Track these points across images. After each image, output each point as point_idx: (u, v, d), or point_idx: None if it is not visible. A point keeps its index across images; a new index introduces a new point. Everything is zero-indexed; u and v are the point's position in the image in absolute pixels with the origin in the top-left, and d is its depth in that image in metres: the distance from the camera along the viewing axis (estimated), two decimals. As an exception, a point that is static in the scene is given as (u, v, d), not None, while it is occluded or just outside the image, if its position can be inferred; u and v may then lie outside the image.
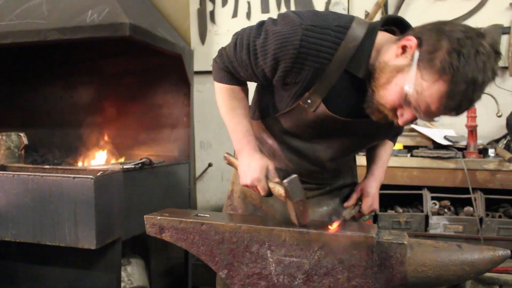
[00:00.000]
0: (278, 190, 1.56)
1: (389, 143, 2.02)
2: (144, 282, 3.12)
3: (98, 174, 2.30)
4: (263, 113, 1.77)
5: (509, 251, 1.44)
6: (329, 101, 1.54)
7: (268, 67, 1.52)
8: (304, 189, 1.79)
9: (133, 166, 2.61)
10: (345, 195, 1.95)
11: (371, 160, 2.00)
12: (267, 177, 1.59)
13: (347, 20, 1.50)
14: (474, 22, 3.51)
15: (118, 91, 3.64)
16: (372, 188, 1.93)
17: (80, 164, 3.29)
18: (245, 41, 1.56)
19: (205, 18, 3.98)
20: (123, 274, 2.91)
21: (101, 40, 2.88)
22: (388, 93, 1.43)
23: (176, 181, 3.20)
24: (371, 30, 1.50)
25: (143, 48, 3.07)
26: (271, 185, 1.58)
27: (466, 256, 1.42)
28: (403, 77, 1.39)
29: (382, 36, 1.51)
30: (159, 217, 1.54)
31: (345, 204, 1.91)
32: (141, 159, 2.72)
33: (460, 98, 1.34)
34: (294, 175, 1.49)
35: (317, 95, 1.53)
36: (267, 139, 1.80)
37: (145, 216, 1.56)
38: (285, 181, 1.48)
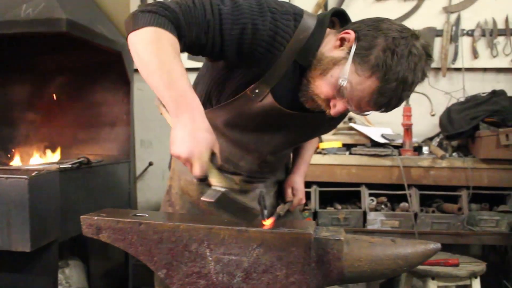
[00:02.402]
0: (216, 182, 1.34)
1: (315, 139, 2.07)
2: (83, 284, 3.06)
3: (33, 174, 2.23)
4: (204, 105, 1.63)
5: (439, 245, 1.49)
6: (276, 92, 1.53)
7: (229, 41, 1.43)
8: (244, 181, 1.79)
9: (70, 166, 2.55)
10: (276, 191, 1.98)
11: (298, 155, 2.04)
12: (211, 159, 1.33)
13: (301, 10, 1.52)
14: (410, 24, 3.62)
15: (56, 88, 3.54)
16: (301, 184, 1.99)
17: (14, 163, 3.18)
18: (207, 2, 1.41)
19: (146, 15, 3.91)
20: (60, 276, 2.84)
21: (37, 36, 2.80)
22: (323, 83, 1.46)
23: (116, 180, 3.15)
24: (321, 22, 1.52)
25: (82, 44, 3.00)
26: (213, 172, 1.33)
27: (399, 250, 1.46)
28: (338, 69, 1.43)
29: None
30: (96, 218, 1.50)
31: (287, 200, 1.95)
32: (78, 158, 2.66)
33: (390, 95, 1.39)
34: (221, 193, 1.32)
35: (266, 85, 1.50)
36: None
37: (81, 216, 1.52)
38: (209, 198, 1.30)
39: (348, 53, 1.41)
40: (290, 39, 1.47)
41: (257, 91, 1.51)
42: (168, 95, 1.30)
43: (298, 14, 1.50)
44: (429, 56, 1.42)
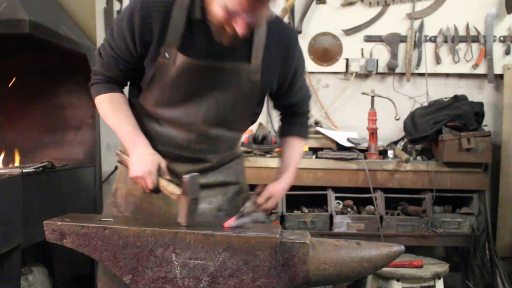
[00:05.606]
0: (172, 188, 1.60)
1: (295, 143, 1.95)
2: (46, 291, 2.99)
3: (-6, 179, 2.18)
4: (137, 101, 1.81)
5: (403, 247, 1.52)
6: (186, 51, 1.65)
7: (129, 37, 1.66)
8: (183, 162, 1.80)
9: (33, 170, 2.50)
10: (231, 195, 1.88)
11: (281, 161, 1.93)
12: (158, 173, 1.62)
13: None
14: (375, 29, 3.69)
15: (18, 91, 3.45)
16: (274, 188, 1.81)
17: (-25, 168, 3.09)
18: (106, 44, 1.74)
19: (111, 18, 3.86)
20: (24, 283, 2.77)
21: (-1, 37, 2.74)
22: (215, 10, 1.56)
23: (81, 185, 3.10)
24: None
25: (45, 46, 2.95)
26: (163, 182, 1.62)
27: (364, 253, 1.49)
28: None
29: None
30: (59, 223, 1.48)
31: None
32: (42, 162, 2.62)
33: None
34: (196, 173, 1.59)
35: (172, 46, 1.64)
36: (146, 123, 1.80)
37: (44, 222, 1.50)
38: (186, 176, 1.55)
39: None
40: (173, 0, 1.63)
41: (167, 55, 1.65)
42: (122, 136, 1.72)
43: None
44: None
